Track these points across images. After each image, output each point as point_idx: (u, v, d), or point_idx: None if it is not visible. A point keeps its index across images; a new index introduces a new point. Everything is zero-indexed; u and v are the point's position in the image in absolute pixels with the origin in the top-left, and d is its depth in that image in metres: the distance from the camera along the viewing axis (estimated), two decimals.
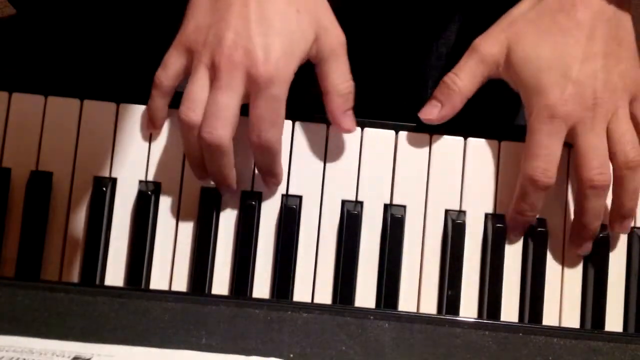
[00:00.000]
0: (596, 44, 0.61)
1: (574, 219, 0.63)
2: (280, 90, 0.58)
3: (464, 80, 0.63)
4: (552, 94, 0.60)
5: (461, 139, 0.64)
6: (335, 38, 0.61)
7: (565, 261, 0.64)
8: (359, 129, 0.64)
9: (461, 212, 0.64)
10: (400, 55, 0.75)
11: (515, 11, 0.63)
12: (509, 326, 0.55)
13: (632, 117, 0.62)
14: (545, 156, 0.60)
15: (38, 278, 0.62)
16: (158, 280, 0.63)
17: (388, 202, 0.64)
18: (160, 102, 0.62)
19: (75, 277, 0.62)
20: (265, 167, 0.62)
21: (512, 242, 0.63)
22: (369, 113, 0.64)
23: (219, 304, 0.53)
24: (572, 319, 0.63)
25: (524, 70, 0.61)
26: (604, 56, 0.61)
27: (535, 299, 0.63)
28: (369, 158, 0.64)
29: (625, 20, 0.62)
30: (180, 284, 0.63)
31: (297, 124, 0.64)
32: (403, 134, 0.64)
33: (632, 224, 0.64)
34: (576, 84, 0.60)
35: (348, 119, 0.62)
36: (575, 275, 0.64)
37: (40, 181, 0.62)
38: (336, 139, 0.64)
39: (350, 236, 0.63)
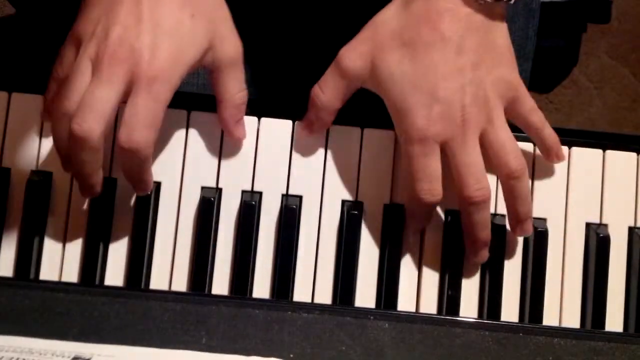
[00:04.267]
0: (465, 56, 0.58)
1: (464, 231, 0.62)
2: (161, 92, 0.56)
3: (327, 95, 0.61)
4: (419, 115, 0.58)
5: None
6: (232, 47, 0.60)
7: (565, 261, 0.64)
8: (358, 128, 0.64)
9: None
10: None
11: (379, 19, 0.60)
12: (509, 326, 0.55)
13: (517, 118, 0.61)
14: (426, 177, 0.59)
15: (38, 278, 0.62)
16: (158, 280, 0.63)
17: (388, 202, 0.64)
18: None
19: (75, 277, 0.62)
20: (133, 173, 0.59)
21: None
22: (369, 113, 0.64)
23: (219, 304, 0.53)
24: (572, 319, 0.63)
25: (388, 89, 0.59)
26: (473, 68, 0.58)
27: (535, 298, 0.63)
28: (369, 158, 0.64)
29: (497, 26, 0.60)
30: (180, 284, 0.63)
31: (297, 124, 0.64)
32: None
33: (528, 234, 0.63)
34: (443, 103, 0.58)
35: (240, 128, 0.62)
36: (575, 275, 0.64)
37: (40, 181, 0.62)
38: (336, 139, 0.64)
39: (350, 236, 0.63)
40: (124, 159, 0.58)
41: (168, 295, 0.54)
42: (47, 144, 0.63)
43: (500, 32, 0.60)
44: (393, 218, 0.63)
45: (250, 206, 0.62)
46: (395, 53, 0.59)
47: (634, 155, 0.65)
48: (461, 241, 0.63)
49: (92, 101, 0.55)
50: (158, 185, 0.63)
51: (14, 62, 0.77)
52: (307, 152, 0.64)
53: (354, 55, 0.60)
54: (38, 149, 0.63)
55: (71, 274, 0.62)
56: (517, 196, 0.61)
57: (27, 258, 0.62)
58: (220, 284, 0.63)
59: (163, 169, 0.63)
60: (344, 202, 0.64)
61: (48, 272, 0.62)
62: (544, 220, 0.64)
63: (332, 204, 0.64)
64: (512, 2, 0.59)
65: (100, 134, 0.55)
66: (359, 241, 0.63)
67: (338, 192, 0.64)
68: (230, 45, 0.60)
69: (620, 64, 1.50)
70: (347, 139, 0.64)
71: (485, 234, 0.61)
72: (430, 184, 0.59)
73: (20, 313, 0.51)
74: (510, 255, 0.64)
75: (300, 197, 0.63)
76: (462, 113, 0.58)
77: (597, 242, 0.63)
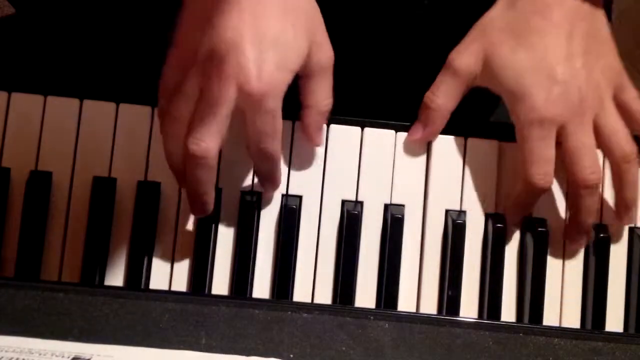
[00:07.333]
0: (576, 42, 0.60)
1: (570, 216, 0.63)
2: (274, 104, 0.57)
3: (441, 98, 0.62)
4: (538, 97, 0.59)
5: (461, 139, 0.64)
6: (325, 54, 0.60)
7: (565, 261, 0.64)
8: (358, 128, 0.64)
9: (461, 212, 0.64)
10: (401, 55, 0.75)
11: (487, 19, 0.62)
12: (509, 326, 0.55)
13: (620, 105, 0.62)
14: (541, 161, 0.60)
15: (38, 278, 0.62)
16: (158, 280, 0.63)
17: (388, 202, 0.64)
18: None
19: (75, 277, 0.62)
20: (265, 174, 0.62)
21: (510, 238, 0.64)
22: (369, 113, 0.64)
23: (219, 304, 0.53)
24: (572, 319, 0.63)
25: (504, 77, 0.60)
26: (584, 54, 0.60)
27: (535, 299, 0.63)
28: (369, 158, 0.64)
29: (599, 16, 0.62)
30: (180, 284, 0.63)
31: (297, 123, 0.64)
32: (403, 134, 0.64)
33: (634, 223, 0.64)
34: (562, 85, 0.59)
35: (321, 134, 0.63)
36: (575, 275, 0.64)
37: (40, 181, 0.62)
38: (336, 138, 0.64)
39: (350, 236, 0.62)
40: (258, 164, 0.61)
41: (168, 295, 0.54)
42: (47, 144, 0.63)
43: (603, 20, 0.62)
44: (394, 218, 0.63)
45: (250, 206, 0.62)
46: (507, 44, 0.60)
47: None
48: (461, 241, 0.63)
49: (205, 120, 0.56)
50: (158, 185, 0.63)
51: (14, 62, 0.77)
52: (307, 152, 0.64)
53: (464, 54, 0.62)
54: (38, 149, 0.63)
55: (71, 274, 0.62)
56: (627, 181, 0.62)
57: (27, 258, 0.62)
58: (220, 284, 0.63)
59: (163, 169, 0.63)
60: (344, 202, 0.64)
61: (48, 272, 0.62)
62: (544, 220, 0.64)
63: (332, 204, 0.64)
64: None
65: (217, 152, 0.57)
66: (359, 241, 0.63)
67: (338, 192, 0.64)
68: (323, 52, 0.60)
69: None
70: (347, 138, 0.64)
71: (591, 219, 0.62)
72: (545, 168, 0.60)
73: (20, 313, 0.51)
74: (510, 255, 0.64)
75: (300, 197, 0.63)
76: (579, 96, 0.60)
77: (597, 242, 0.63)
